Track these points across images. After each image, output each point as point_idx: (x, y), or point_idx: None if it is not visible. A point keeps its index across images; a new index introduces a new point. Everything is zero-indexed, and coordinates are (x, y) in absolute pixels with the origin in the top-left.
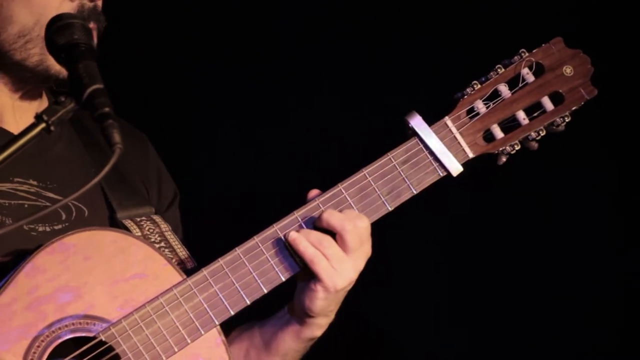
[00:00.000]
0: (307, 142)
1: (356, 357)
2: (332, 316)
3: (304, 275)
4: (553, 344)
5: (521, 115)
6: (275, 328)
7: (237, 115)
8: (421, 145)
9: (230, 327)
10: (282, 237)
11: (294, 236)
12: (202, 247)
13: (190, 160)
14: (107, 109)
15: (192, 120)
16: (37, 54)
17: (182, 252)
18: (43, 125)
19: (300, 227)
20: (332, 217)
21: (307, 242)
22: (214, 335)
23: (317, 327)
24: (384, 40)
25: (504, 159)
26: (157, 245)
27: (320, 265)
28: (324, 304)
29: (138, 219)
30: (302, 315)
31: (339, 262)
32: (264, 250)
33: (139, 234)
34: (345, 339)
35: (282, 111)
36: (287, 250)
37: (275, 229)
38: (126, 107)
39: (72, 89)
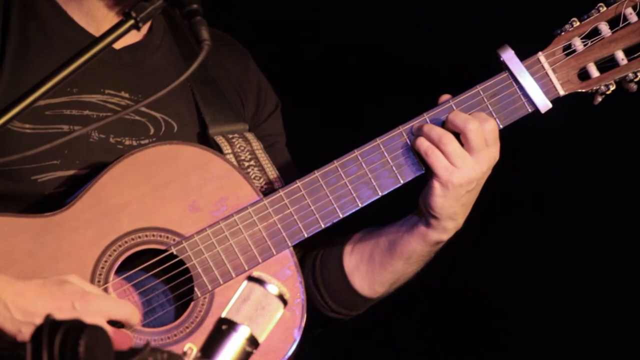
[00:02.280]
0: None
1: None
2: (459, 220)
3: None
4: None
5: (620, 56)
6: (401, 230)
7: None
8: (511, 80)
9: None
10: (406, 137)
11: (413, 130)
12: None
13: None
14: (195, 6)
15: None
16: None
17: (272, 172)
18: (131, 22)
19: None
20: (456, 117)
21: (423, 138)
22: (286, 256)
23: (443, 230)
24: None
25: (599, 99)
26: (247, 164)
27: (434, 158)
28: (443, 202)
29: (230, 136)
30: (427, 217)
31: (459, 159)
32: (386, 153)
33: (229, 151)
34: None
35: None
36: (411, 151)
37: (401, 131)
38: None
39: None
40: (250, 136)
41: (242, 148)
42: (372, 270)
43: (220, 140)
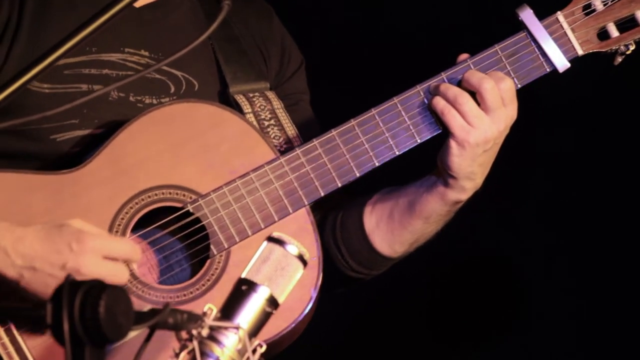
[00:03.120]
0: None
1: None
2: (477, 180)
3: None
4: None
5: None
6: (420, 190)
7: None
8: (529, 39)
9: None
10: (423, 96)
11: (430, 90)
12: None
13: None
14: None
15: None
16: None
17: (291, 132)
18: None
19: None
20: (472, 76)
21: (439, 97)
22: (303, 215)
23: (461, 189)
24: None
25: (619, 59)
26: (267, 123)
27: (450, 118)
28: (460, 161)
29: (250, 95)
30: (446, 176)
31: (475, 119)
32: (403, 112)
33: (249, 110)
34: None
35: None
36: (429, 110)
37: (418, 90)
38: None
39: None
40: (271, 95)
41: (262, 107)
42: (392, 230)
43: (240, 99)
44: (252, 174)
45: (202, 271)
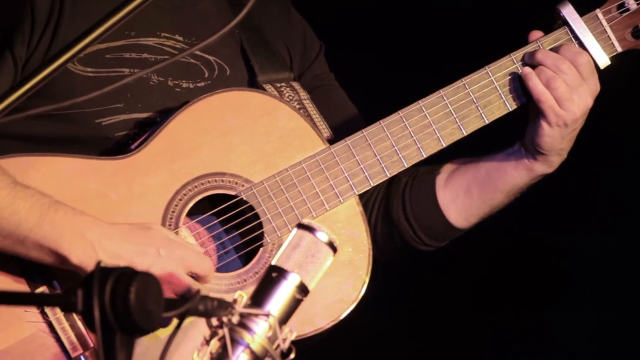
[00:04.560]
0: None
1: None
2: (564, 155)
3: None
4: None
5: None
6: (503, 164)
7: None
8: (570, 36)
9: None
10: (489, 73)
11: (527, 71)
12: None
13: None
14: None
15: None
16: None
17: (320, 122)
18: None
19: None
20: (547, 57)
21: (537, 80)
22: (353, 205)
23: (549, 164)
24: None
25: None
26: None
27: (547, 104)
28: (551, 141)
29: (278, 85)
30: (534, 153)
31: (566, 102)
32: (471, 93)
33: None
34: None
35: None
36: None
37: (487, 71)
38: None
39: None
40: (297, 85)
41: (290, 97)
42: (470, 204)
43: (268, 88)
44: (304, 164)
45: (255, 259)
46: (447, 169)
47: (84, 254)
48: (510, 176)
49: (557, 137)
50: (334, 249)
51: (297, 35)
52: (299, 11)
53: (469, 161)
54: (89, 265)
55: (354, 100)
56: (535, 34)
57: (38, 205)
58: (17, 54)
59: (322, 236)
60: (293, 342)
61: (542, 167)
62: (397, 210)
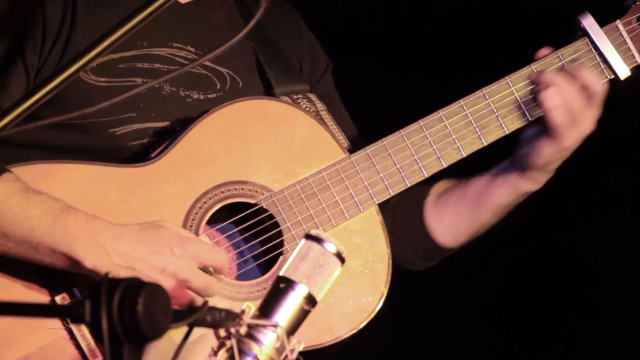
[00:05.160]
0: None
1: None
2: (552, 174)
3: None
4: None
5: None
6: (490, 181)
7: None
8: (591, 46)
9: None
10: (510, 83)
11: (548, 95)
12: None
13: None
14: None
15: None
16: None
17: (337, 133)
18: None
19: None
20: (564, 82)
21: (556, 103)
22: (372, 214)
23: (536, 182)
24: None
25: None
26: None
27: (557, 121)
28: (549, 160)
29: (294, 96)
30: (524, 167)
31: (577, 127)
32: (491, 103)
33: None
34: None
35: None
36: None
37: (507, 81)
38: None
39: None
40: (313, 97)
41: (307, 108)
42: (458, 224)
43: (285, 100)
44: (324, 173)
45: (275, 267)
46: (436, 189)
47: (97, 257)
48: (496, 194)
49: (555, 156)
50: (342, 260)
51: (306, 50)
52: (315, 19)
53: (457, 181)
54: (102, 268)
55: (369, 107)
56: (544, 52)
57: (50, 211)
58: (29, 63)
59: (330, 247)
60: (310, 352)
61: (528, 185)
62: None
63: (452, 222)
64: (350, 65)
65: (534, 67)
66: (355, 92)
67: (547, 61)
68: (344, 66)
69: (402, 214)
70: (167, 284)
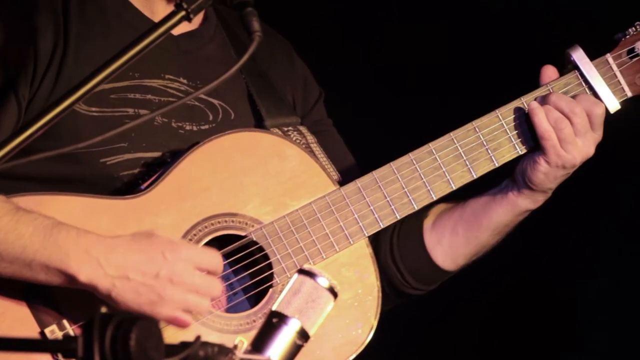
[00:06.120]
0: None
1: None
2: (549, 193)
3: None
4: None
5: None
6: (489, 200)
7: None
8: (581, 80)
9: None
10: (500, 117)
11: (534, 106)
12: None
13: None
14: None
15: None
16: None
17: (327, 165)
18: (182, 13)
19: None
20: (560, 100)
21: (544, 116)
22: (362, 246)
23: (533, 201)
24: None
25: None
26: None
27: (550, 143)
28: (545, 178)
29: (285, 129)
30: (522, 186)
31: (569, 145)
32: (481, 136)
33: None
34: None
35: None
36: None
37: (497, 114)
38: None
39: None
40: (304, 129)
41: (298, 141)
42: (456, 244)
43: (276, 132)
44: (314, 205)
45: (265, 299)
46: (434, 211)
47: (91, 270)
48: (495, 212)
49: (551, 176)
50: (335, 295)
51: (299, 81)
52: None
53: (456, 202)
54: (97, 281)
55: (364, 128)
56: (548, 69)
57: (42, 228)
58: (20, 95)
59: (323, 282)
60: None
61: (526, 203)
62: (385, 254)
63: (450, 242)
64: (343, 84)
65: (524, 100)
66: (349, 114)
67: (537, 94)
68: (336, 85)
69: (401, 236)
70: (164, 289)
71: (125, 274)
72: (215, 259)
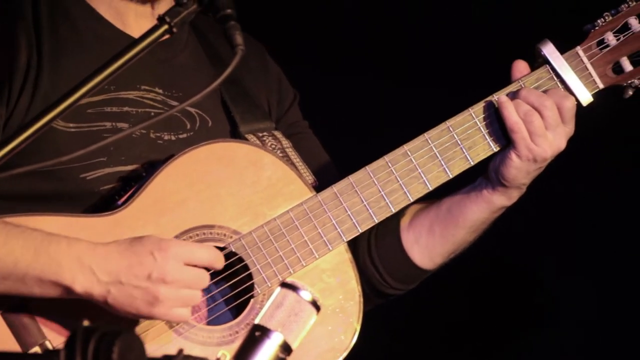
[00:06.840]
0: None
1: None
2: (523, 189)
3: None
4: None
5: None
6: (464, 198)
7: None
8: (552, 74)
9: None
10: (473, 115)
11: (503, 99)
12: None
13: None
14: (229, 11)
15: None
16: None
17: (303, 169)
18: (165, 27)
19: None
20: (530, 94)
21: (513, 109)
22: (342, 252)
23: (508, 197)
24: None
25: (630, 92)
26: None
27: (519, 135)
28: (517, 173)
29: (260, 134)
30: (495, 183)
31: (539, 138)
32: (455, 135)
33: None
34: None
35: None
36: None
37: (470, 112)
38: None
39: None
40: (278, 134)
41: (273, 146)
42: (433, 243)
43: (251, 138)
44: (291, 213)
45: (246, 310)
46: (411, 210)
47: (85, 279)
48: (470, 210)
49: (523, 171)
50: (317, 308)
51: (273, 85)
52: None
53: (432, 201)
54: (93, 290)
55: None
56: (519, 64)
57: (31, 240)
58: None
59: (306, 295)
60: None
61: (500, 199)
62: (363, 255)
63: (427, 241)
64: (317, 86)
65: (496, 97)
66: (327, 114)
67: (509, 90)
68: (310, 87)
69: (379, 237)
70: (158, 290)
71: (118, 279)
72: (207, 252)
